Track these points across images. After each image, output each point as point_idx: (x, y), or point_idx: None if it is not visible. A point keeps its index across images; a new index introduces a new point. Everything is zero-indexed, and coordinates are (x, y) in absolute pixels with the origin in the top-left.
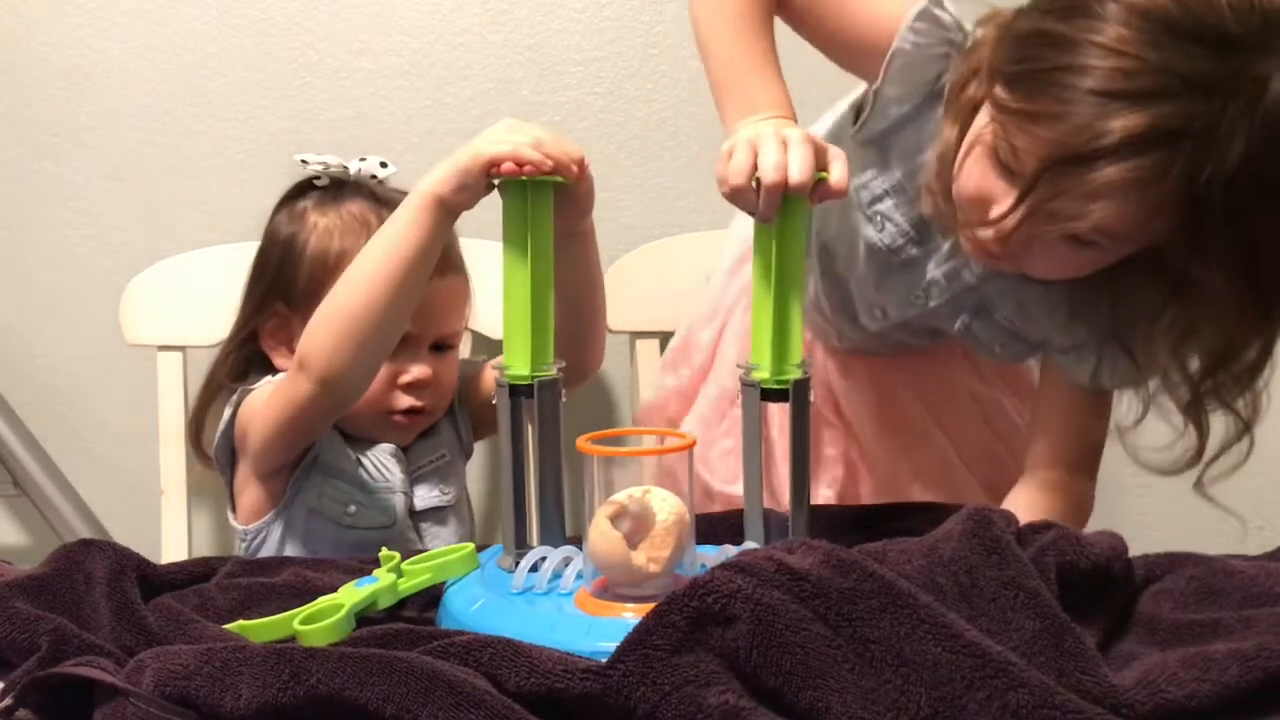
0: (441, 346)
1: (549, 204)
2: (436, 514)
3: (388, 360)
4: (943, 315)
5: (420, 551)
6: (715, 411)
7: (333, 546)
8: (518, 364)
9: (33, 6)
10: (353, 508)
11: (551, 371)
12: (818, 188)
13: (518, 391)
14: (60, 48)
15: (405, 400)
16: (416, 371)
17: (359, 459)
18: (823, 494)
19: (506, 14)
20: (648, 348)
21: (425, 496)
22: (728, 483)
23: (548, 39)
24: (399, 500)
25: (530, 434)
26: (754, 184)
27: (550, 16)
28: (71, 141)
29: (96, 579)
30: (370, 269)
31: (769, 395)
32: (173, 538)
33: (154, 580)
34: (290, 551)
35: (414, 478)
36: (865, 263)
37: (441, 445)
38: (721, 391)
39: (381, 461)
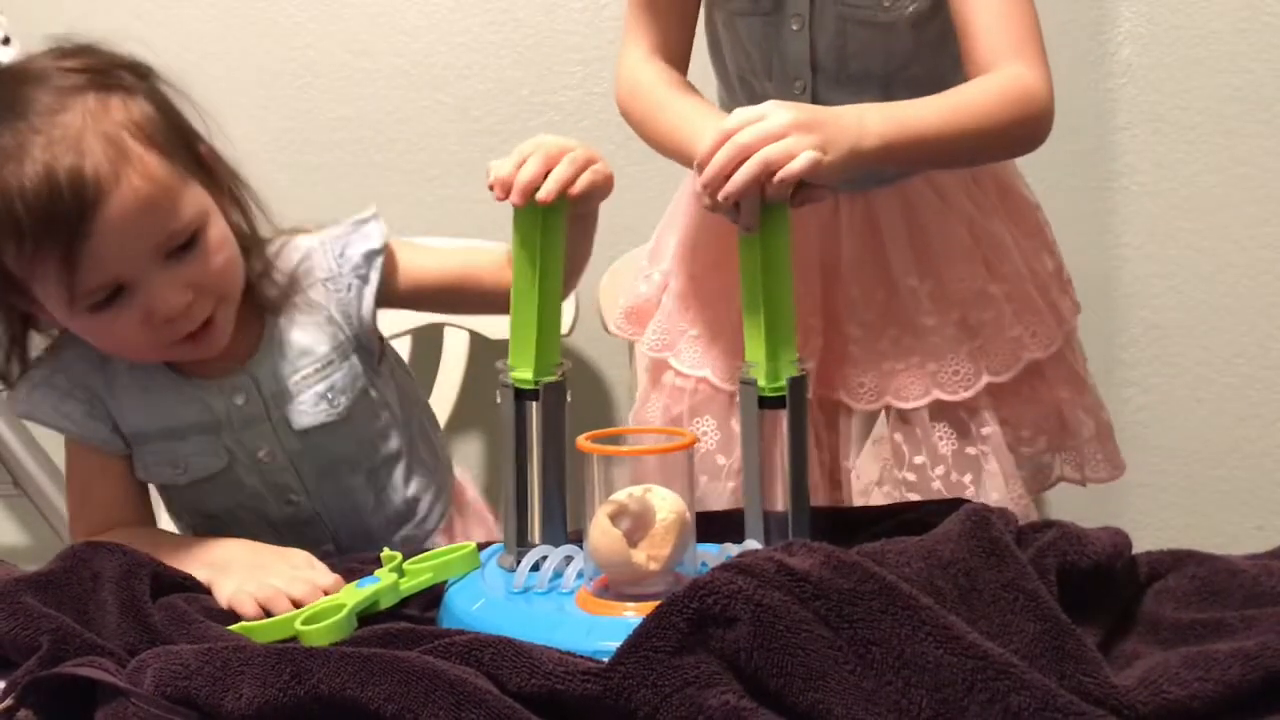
0: (178, 249)
1: (561, 223)
2: (328, 429)
3: (127, 310)
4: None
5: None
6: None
7: (203, 515)
8: (523, 368)
9: (33, 7)
10: (181, 466)
11: (556, 374)
12: (800, 192)
13: (522, 395)
14: None
15: (181, 328)
16: (165, 309)
17: (161, 401)
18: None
19: (506, 14)
20: None
21: (309, 412)
22: (693, 367)
23: (548, 39)
24: (232, 439)
25: (534, 436)
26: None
27: (550, 16)
28: None
29: (105, 578)
30: None
31: (766, 403)
32: None
33: (166, 581)
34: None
35: (283, 394)
36: (754, 51)
37: (315, 345)
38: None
39: (192, 393)
